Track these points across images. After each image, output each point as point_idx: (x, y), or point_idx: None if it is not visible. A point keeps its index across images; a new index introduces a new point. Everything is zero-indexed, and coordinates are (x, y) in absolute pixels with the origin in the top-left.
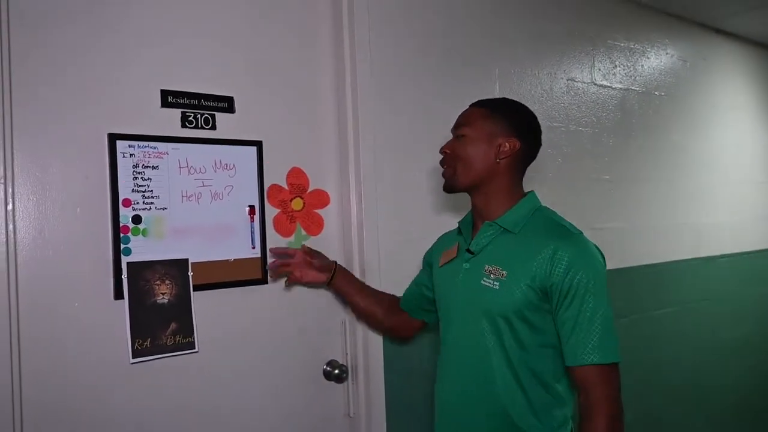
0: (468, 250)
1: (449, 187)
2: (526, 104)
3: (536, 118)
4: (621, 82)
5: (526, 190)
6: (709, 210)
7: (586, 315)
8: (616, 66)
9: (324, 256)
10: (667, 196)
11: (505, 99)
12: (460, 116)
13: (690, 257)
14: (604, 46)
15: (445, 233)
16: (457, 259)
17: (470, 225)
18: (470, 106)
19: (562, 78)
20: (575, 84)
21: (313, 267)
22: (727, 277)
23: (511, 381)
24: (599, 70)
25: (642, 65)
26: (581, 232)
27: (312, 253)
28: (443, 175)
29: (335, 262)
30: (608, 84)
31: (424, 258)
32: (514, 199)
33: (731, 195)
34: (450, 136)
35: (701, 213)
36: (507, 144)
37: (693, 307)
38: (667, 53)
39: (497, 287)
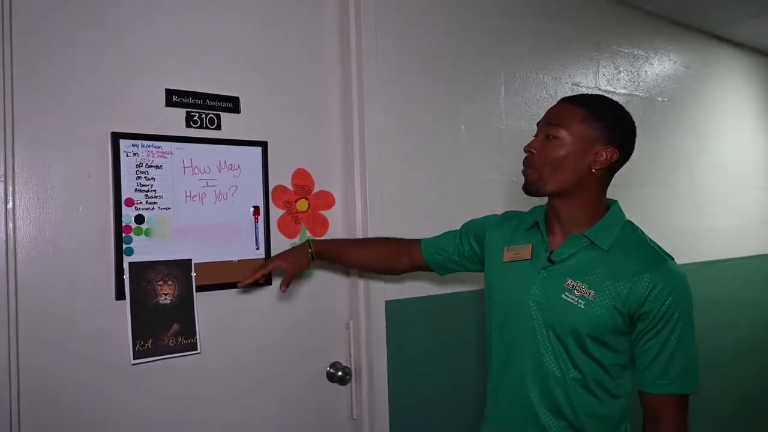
0: (549, 259)
1: (532, 191)
2: (532, 109)
3: (634, 123)
4: (625, 88)
5: (530, 198)
6: (711, 214)
7: (671, 344)
8: (620, 71)
9: (290, 252)
10: (669, 200)
11: (602, 98)
12: (552, 113)
13: (691, 261)
14: (608, 52)
15: (505, 216)
16: (529, 263)
17: (546, 227)
18: (563, 101)
19: (566, 83)
20: (580, 89)
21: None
22: (728, 282)
23: (583, 395)
24: (603, 75)
25: (645, 71)
26: (673, 258)
27: (283, 260)
28: (526, 175)
29: (306, 242)
30: (612, 89)
31: (474, 229)
32: (601, 209)
33: (733, 200)
34: (533, 132)
35: (702, 217)
36: (605, 153)
37: (694, 312)
38: (670, 60)
39: (582, 306)
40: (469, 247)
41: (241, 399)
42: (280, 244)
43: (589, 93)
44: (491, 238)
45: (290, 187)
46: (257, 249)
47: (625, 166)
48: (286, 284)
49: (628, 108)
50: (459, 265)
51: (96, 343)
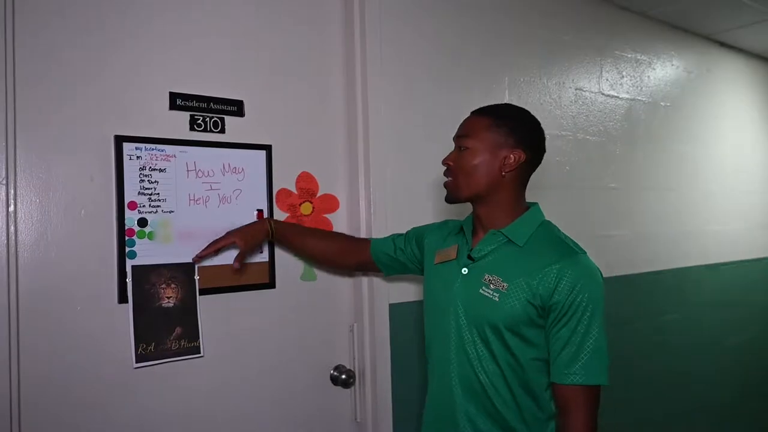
0: (469, 256)
1: (452, 199)
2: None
3: (540, 125)
4: (628, 92)
5: (534, 198)
6: (714, 218)
7: (579, 334)
8: (623, 76)
9: (246, 228)
10: (672, 204)
11: (508, 106)
12: (462, 126)
13: (694, 264)
14: (611, 57)
15: (444, 223)
16: (454, 263)
17: (471, 229)
18: (472, 114)
19: (570, 87)
20: (583, 93)
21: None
22: (731, 284)
23: (502, 388)
24: (607, 80)
25: (648, 76)
26: (585, 252)
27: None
28: (446, 186)
29: (267, 219)
30: (615, 94)
31: (415, 233)
32: (518, 209)
33: (735, 204)
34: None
35: (705, 221)
36: (512, 156)
37: (697, 314)
38: (672, 65)
39: (497, 299)
40: (411, 251)
41: (244, 402)
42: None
43: (498, 103)
44: (428, 243)
45: (294, 191)
46: (261, 252)
47: (627, 170)
48: (240, 260)
49: (631, 112)
50: (403, 267)
51: (98, 346)
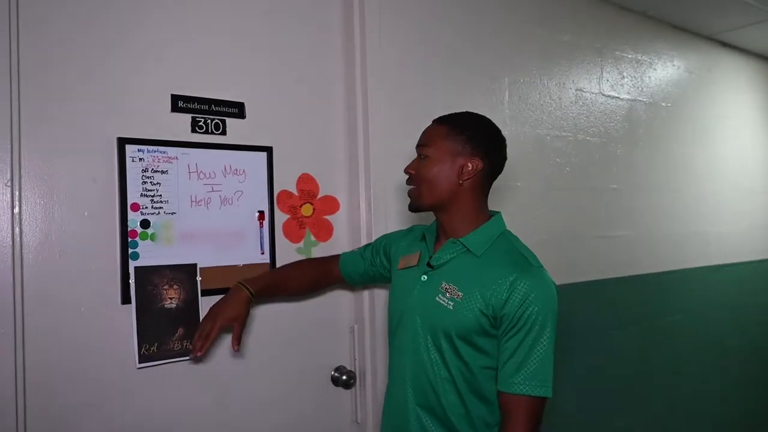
0: (428, 264)
1: (414, 207)
2: (536, 114)
3: (499, 132)
4: (628, 93)
5: (533, 200)
6: (715, 219)
7: (526, 346)
8: (623, 77)
9: (228, 306)
10: (674, 205)
11: (466, 114)
12: (422, 134)
13: (696, 266)
14: (612, 57)
15: (411, 229)
16: (416, 269)
17: (434, 236)
18: (432, 122)
19: (570, 88)
20: (584, 94)
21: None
22: (732, 286)
23: (452, 395)
24: (607, 80)
25: (649, 76)
26: (541, 266)
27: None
28: (409, 194)
29: (238, 285)
30: (616, 94)
31: (383, 244)
32: (479, 218)
33: (736, 204)
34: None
35: (707, 222)
36: (470, 164)
37: (699, 315)
38: (673, 65)
39: (451, 307)
40: (380, 262)
41: (246, 403)
42: (285, 248)
43: (459, 111)
44: (395, 251)
45: (295, 192)
46: (262, 254)
47: (628, 170)
48: (237, 341)
49: (631, 113)
50: (373, 279)
51: (101, 347)
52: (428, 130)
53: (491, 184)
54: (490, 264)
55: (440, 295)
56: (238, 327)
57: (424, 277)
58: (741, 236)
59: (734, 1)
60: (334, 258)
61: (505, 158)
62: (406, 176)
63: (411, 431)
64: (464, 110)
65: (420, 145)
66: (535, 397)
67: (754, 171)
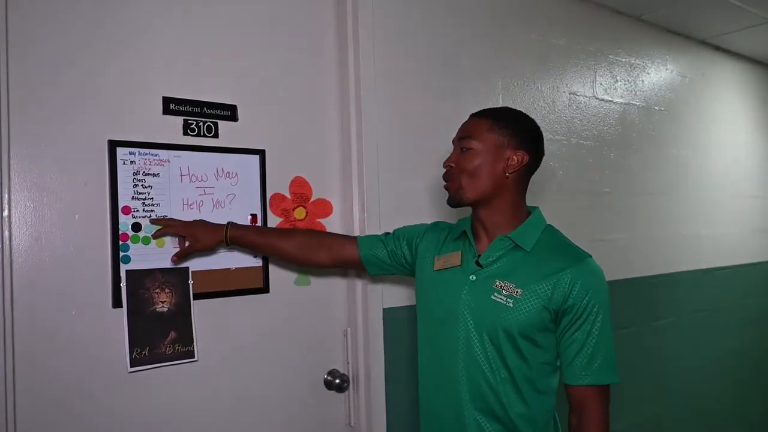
0: (477, 263)
1: (455, 201)
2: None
3: (539, 127)
4: (622, 97)
5: (527, 202)
6: (708, 223)
7: (593, 337)
8: (617, 80)
9: (201, 227)
10: (666, 208)
11: (507, 109)
12: (463, 128)
13: (689, 269)
14: (605, 61)
15: (435, 225)
16: (459, 269)
17: (463, 235)
18: (472, 116)
19: (564, 91)
20: (577, 98)
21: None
22: (724, 289)
23: (513, 394)
24: (600, 84)
25: (642, 80)
26: (591, 255)
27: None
28: (447, 188)
29: (227, 224)
30: (609, 98)
31: (406, 235)
32: (521, 212)
33: (729, 208)
34: (451, 149)
35: (700, 226)
36: (515, 157)
37: (692, 318)
38: (667, 69)
39: (511, 305)
40: (401, 253)
41: (238, 407)
42: None
43: (496, 106)
44: (423, 248)
45: (288, 195)
46: (255, 257)
47: (621, 174)
48: (179, 256)
49: (625, 117)
50: (391, 267)
51: (92, 350)
52: (469, 123)
53: (530, 179)
54: (543, 258)
55: (496, 294)
56: (189, 248)
57: (473, 277)
58: (733, 240)
59: (727, 5)
60: (350, 237)
61: (543, 153)
62: (444, 170)
63: (460, 419)
64: (513, 108)
65: (461, 138)
66: (606, 386)
67: (746, 175)
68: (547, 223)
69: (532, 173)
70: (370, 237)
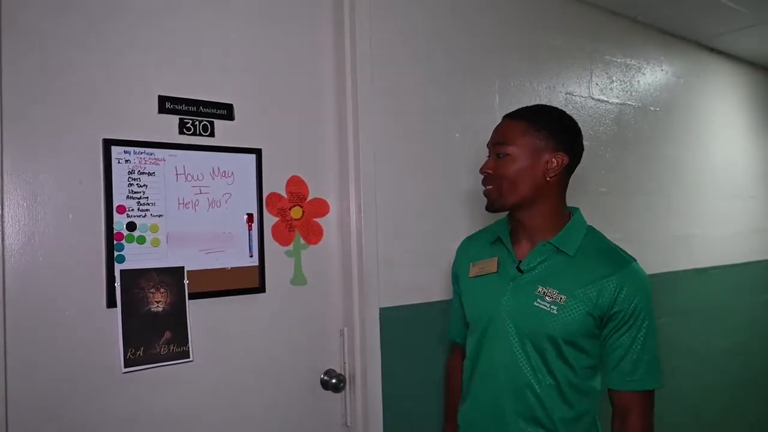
0: (518, 269)
1: (496, 208)
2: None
3: (577, 124)
4: (617, 97)
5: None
6: (702, 223)
7: (639, 342)
8: (612, 81)
9: None
10: (662, 208)
11: (541, 107)
12: (497, 132)
13: (683, 268)
14: (601, 62)
15: (469, 240)
16: (497, 275)
17: (509, 239)
18: (505, 118)
19: (560, 92)
20: (573, 98)
21: None
22: (718, 288)
23: (557, 400)
24: (596, 84)
25: (638, 81)
26: (635, 259)
27: None
28: (487, 195)
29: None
30: (605, 98)
31: (453, 273)
32: (563, 215)
33: (723, 209)
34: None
35: (694, 225)
36: (555, 160)
37: (686, 317)
38: (662, 70)
39: (555, 311)
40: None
41: (234, 407)
42: (274, 251)
43: (530, 105)
44: (459, 264)
45: (284, 195)
46: (251, 256)
47: (617, 174)
48: None
49: (620, 117)
50: None
51: (86, 351)
52: (504, 127)
53: (570, 178)
54: (587, 263)
55: (539, 300)
56: None
57: (513, 283)
58: (728, 239)
59: (722, 7)
60: (454, 347)
61: (583, 150)
62: (482, 176)
63: (504, 427)
64: (549, 106)
65: (496, 143)
66: (651, 391)
67: (741, 175)
68: (588, 224)
69: (572, 172)
70: (454, 325)
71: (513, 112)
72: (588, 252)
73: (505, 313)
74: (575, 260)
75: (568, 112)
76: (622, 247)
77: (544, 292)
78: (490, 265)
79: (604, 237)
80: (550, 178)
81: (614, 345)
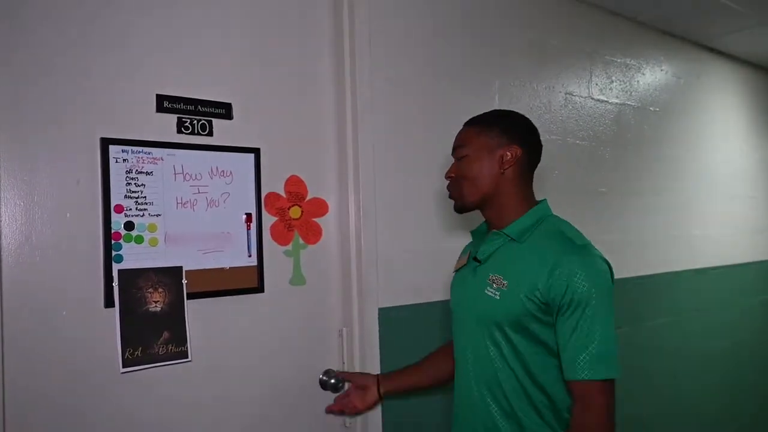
0: (475, 258)
1: (460, 208)
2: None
3: (529, 121)
4: (617, 97)
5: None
6: (701, 223)
7: (584, 327)
8: (612, 81)
9: (362, 374)
10: (661, 208)
11: (495, 111)
12: (456, 139)
13: (682, 269)
14: (601, 62)
15: (471, 234)
16: (466, 267)
17: (484, 235)
18: (464, 125)
19: (560, 92)
20: (573, 98)
21: (360, 390)
22: (718, 289)
23: (513, 381)
24: (596, 84)
25: (638, 81)
26: (587, 244)
27: (356, 380)
28: (451, 197)
29: (375, 376)
30: (605, 98)
31: None
32: (525, 207)
33: (722, 209)
34: (445, 148)
35: (693, 226)
36: (508, 153)
37: (685, 318)
38: (662, 70)
39: (498, 297)
40: None
41: (232, 408)
42: (273, 251)
43: (486, 111)
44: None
45: (283, 194)
46: (249, 256)
47: (617, 174)
48: (339, 409)
49: (620, 117)
50: None
51: (84, 351)
52: (460, 133)
53: (533, 172)
54: (535, 249)
55: (488, 288)
56: (361, 408)
57: (474, 273)
58: (727, 240)
59: (722, 7)
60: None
61: (541, 145)
62: (446, 181)
63: (478, 417)
64: (501, 109)
65: (455, 148)
66: (604, 381)
67: (741, 175)
68: (553, 214)
69: (534, 166)
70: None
71: (470, 119)
72: (539, 239)
73: (466, 303)
74: (525, 247)
75: (567, 112)
76: (615, 247)
77: (493, 279)
78: (464, 258)
79: (564, 224)
80: (505, 170)
81: (560, 333)
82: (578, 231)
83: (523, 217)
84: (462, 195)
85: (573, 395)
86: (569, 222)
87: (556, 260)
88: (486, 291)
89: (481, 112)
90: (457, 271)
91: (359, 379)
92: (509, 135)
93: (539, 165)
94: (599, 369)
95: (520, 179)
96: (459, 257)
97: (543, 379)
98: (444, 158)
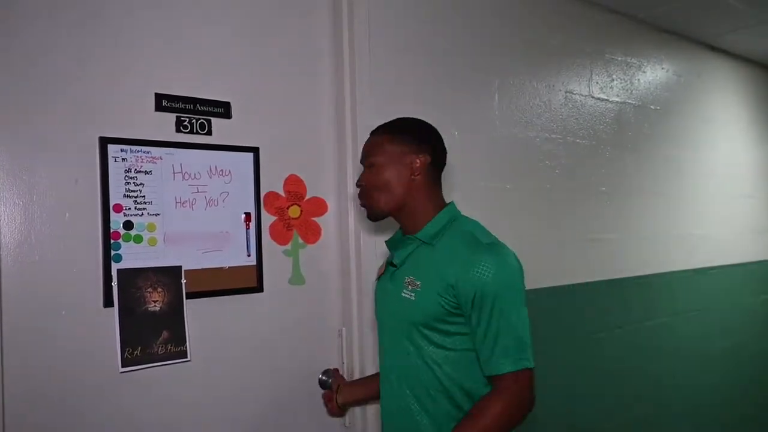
0: (391, 264)
1: (374, 216)
2: (526, 116)
3: (434, 127)
4: (618, 96)
5: (525, 201)
6: (701, 222)
7: (494, 323)
8: (613, 80)
9: (340, 379)
10: (661, 208)
11: (401, 118)
12: (364, 148)
13: (682, 269)
14: (601, 60)
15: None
16: (385, 274)
17: (398, 242)
18: (370, 134)
19: (560, 90)
20: (573, 96)
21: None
22: (717, 288)
23: (435, 384)
24: (597, 83)
25: (638, 80)
26: (495, 242)
27: (334, 384)
28: (363, 206)
29: (341, 385)
30: (605, 97)
31: None
32: (435, 210)
33: (722, 208)
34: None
35: (693, 225)
36: (418, 160)
37: (684, 317)
38: (662, 68)
39: (413, 298)
40: None
41: (231, 407)
42: (272, 251)
43: (391, 120)
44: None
45: (282, 194)
46: (248, 256)
47: (617, 173)
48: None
49: (620, 116)
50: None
51: (83, 351)
52: (369, 142)
53: (440, 177)
54: (446, 249)
55: (404, 290)
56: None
57: (391, 278)
58: (726, 239)
59: (723, 5)
60: None
61: (445, 150)
62: (359, 190)
63: (403, 417)
64: (406, 117)
65: (365, 157)
66: (518, 372)
67: (741, 175)
68: (462, 215)
69: (440, 171)
70: None
71: (376, 127)
72: (449, 239)
73: (387, 307)
74: (436, 248)
75: (567, 111)
76: (615, 246)
77: (408, 282)
78: (382, 267)
79: (471, 224)
80: (416, 176)
81: (473, 329)
82: (486, 230)
83: (434, 220)
84: (377, 203)
85: (494, 387)
86: (478, 221)
87: (465, 259)
88: (402, 293)
89: (386, 122)
90: (378, 279)
91: (335, 384)
92: (418, 142)
93: (539, 164)
94: (514, 360)
95: (429, 184)
96: (379, 267)
97: (462, 376)
98: None
